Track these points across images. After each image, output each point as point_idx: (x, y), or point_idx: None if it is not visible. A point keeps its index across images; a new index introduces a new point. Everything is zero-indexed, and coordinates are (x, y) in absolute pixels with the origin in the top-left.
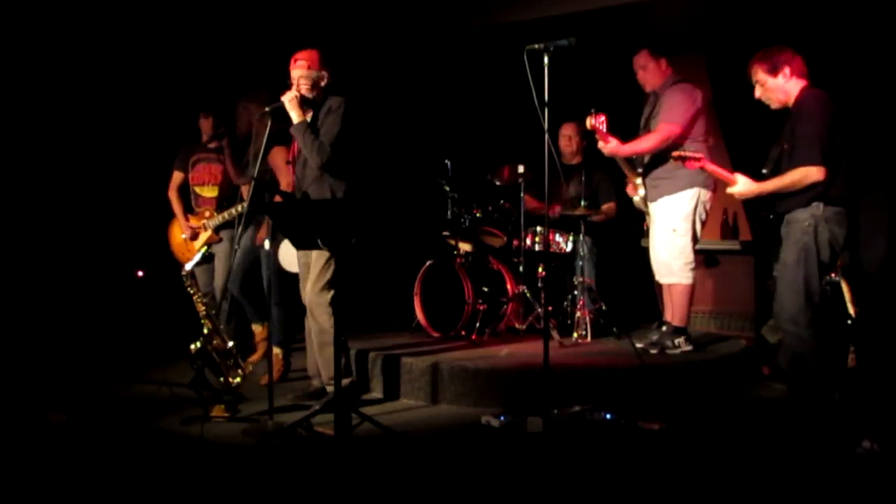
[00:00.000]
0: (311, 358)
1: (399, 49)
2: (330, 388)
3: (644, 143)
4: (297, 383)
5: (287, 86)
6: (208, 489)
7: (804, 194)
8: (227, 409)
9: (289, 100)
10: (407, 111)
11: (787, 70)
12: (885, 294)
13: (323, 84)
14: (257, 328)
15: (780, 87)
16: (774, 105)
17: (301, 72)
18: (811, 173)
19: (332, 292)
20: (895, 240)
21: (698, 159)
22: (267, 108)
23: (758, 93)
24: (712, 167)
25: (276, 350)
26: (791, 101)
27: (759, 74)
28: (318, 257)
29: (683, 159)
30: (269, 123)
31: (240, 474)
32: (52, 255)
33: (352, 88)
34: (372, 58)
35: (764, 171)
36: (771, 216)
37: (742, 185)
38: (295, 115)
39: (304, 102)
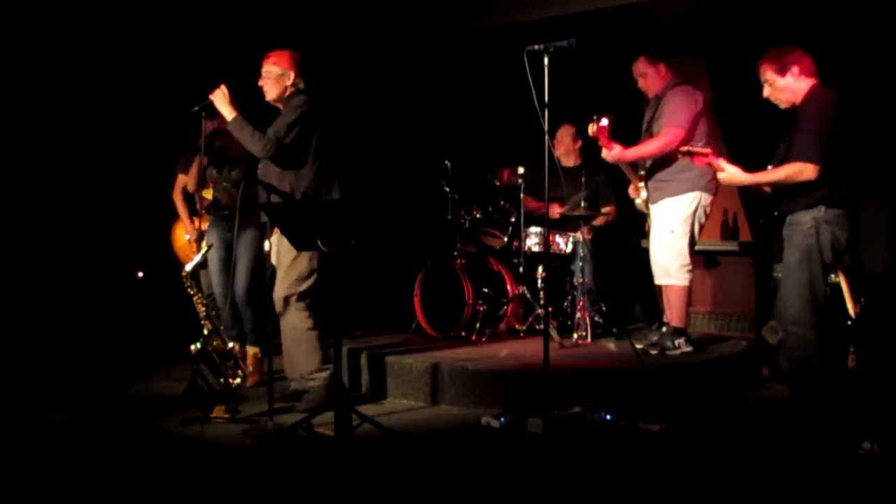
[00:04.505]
0: (286, 359)
1: (400, 50)
2: (301, 385)
3: (648, 148)
4: (276, 384)
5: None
6: (208, 490)
7: (807, 196)
8: (228, 409)
9: (218, 98)
10: (407, 112)
11: (795, 70)
12: (885, 294)
13: (288, 83)
14: (252, 350)
15: (788, 86)
16: (783, 105)
17: (267, 69)
18: (806, 170)
19: (301, 288)
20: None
21: (706, 154)
22: (196, 108)
23: (766, 92)
24: (716, 161)
25: (254, 350)
26: (799, 100)
27: (768, 74)
28: (285, 254)
29: (691, 154)
30: (203, 124)
31: (240, 475)
32: (54, 256)
33: (353, 89)
34: (373, 58)
35: (769, 167)
36: (776, 213)
37: (728, 173)
38: (226, 112)
39: (267, 101)
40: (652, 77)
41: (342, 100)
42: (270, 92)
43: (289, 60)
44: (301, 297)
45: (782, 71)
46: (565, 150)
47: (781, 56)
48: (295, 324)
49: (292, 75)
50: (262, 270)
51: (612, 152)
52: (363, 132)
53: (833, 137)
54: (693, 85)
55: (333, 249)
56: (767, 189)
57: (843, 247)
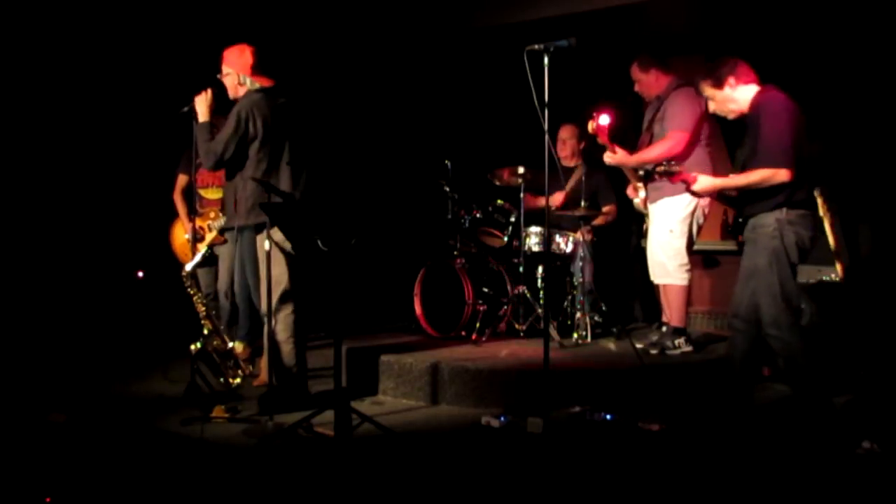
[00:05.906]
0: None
1: (400, 49)
2: None
3: (653, 153)
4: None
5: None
6: (208, 489)
7: (769, 200)
8: (228, 409)
9: (200, 99)
10: (408, 111)
11: (731, 80)
12: (884, 294)
13: (237, 83)
14: None
15: (728, 97)
16: (731, 116)
17: (222, 67)
18: (778, 175)
19: (277, 294)
20: (893, 240)
21: (679, 172)
22: (185, 108)
23: (711, 107)
24: (688, 175)
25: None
26: (746, 107)
27: (707, 90)
28: (258, 259)
29: (669, 174)
30: (194, 125)
31: (240, 474)
32: (53, 255)
33: (353, 88)
34: (373, 58)
35: (732, 174)
36: (740, 219)
37: (702, 181)
38: (200, 114)
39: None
40: (645, 83)
41: (340, 99)
42: (229, 92)
43: (233, 58)
44: (282, 301)
45: (719, 84)
46: (570, 150)
47: (714, 70)
48: (276, 331)
49: (237, 75)
50: None
51: (615, 156)
52: (363, 132)
53: (795, 139)
54: (694, 87)
55: (333, 249)
56: (733, 192)
57: (807, 245)
